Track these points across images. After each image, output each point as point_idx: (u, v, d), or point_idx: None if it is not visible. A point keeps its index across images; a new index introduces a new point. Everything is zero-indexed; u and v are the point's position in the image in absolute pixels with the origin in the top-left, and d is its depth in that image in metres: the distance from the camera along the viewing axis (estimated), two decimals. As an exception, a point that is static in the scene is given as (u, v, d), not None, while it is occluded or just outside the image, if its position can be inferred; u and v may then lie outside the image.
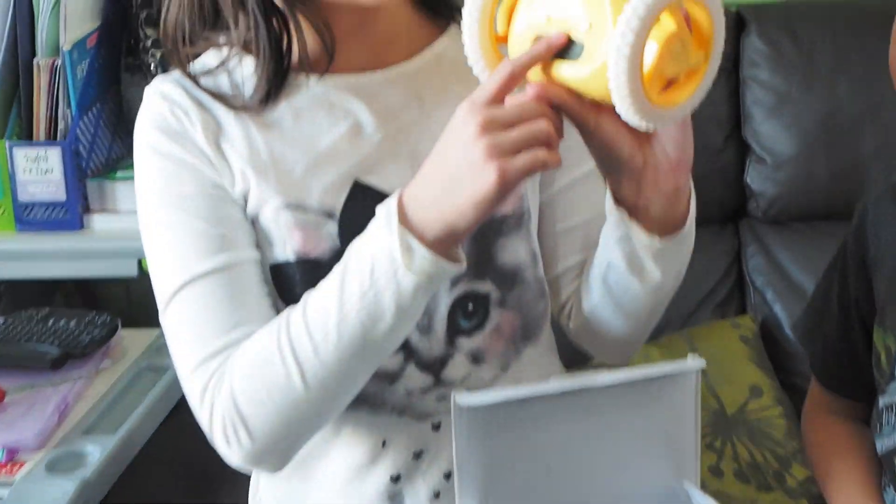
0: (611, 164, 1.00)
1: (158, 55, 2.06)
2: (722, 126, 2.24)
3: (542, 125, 0.91)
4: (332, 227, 1.10)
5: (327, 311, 0.98)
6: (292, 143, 1.10)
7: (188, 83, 1.12)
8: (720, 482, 1.92)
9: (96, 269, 2.01)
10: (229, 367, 1.04)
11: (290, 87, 1.11)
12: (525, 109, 0.91)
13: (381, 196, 1.06)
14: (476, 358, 1.15)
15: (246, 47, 1.09)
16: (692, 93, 0.95)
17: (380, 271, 0.96)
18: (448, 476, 1.15)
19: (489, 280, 1.14)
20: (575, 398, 0.96)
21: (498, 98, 0.92)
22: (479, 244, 1.13)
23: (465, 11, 0.97)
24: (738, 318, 2.18)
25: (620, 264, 1.09)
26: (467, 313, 1.14)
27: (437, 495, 1.16)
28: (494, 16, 0.97)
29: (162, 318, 1.10)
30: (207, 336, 1.06)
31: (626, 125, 0.93)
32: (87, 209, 2.02)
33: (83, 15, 2.02)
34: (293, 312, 1.02)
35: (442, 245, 0.95)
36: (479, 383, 1.16)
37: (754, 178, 2.24)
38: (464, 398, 0.93)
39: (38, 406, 1.71)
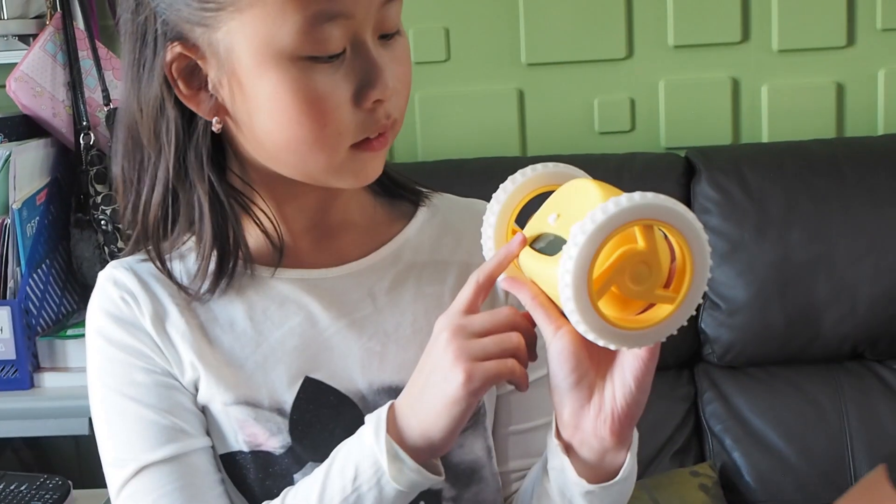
0: (557, 382, 0.96)
1: (109, 211, 2.05)
2: None
3: (512, 338, 0.93)
4: (283, 424, 1.08)
5: None
6: (243, 338, 1.09)
7: (142, 269, 1.11)
8: None
9: (46, 427, 1.97)
10: None
11: (241, 278, 1.10)
12: (496, 320, 0.94)
13: (331, 391, 1.06)
14: None
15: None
16: (656, 322, 0.91)
17: (363, 477, 0.96)
18: None
19: (442, 478, 1.07)
20: None
21: (471, 308, 0.95)
22: None
23: (487, 214, 1.02)
24: (697, 466, 2.17)
25: (553, 492, 1.05)
26: None
27: None
28: (513, 218, 1.01)
29: (115, 500, 1.08)
30: None
31: (585, 346, 0.92)
32: (37, 367, 2.01)
33: (32, 173, 2.04)
34: None
35: (423, 454, 0.96)
36: None
37: (709, 323, 2.24)
38: None
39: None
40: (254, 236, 1.09)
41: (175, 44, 1.00)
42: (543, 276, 0.93)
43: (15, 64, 2.08)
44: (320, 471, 1.00)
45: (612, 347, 0.90)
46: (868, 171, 2.23)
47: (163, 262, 1.09)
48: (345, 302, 1.11)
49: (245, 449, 1.08)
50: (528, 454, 1.17)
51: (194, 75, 1.01)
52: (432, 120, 2.47)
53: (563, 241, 0.89)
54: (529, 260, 0.95)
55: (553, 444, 1.01)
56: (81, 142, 2.08)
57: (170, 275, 1.09)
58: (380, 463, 0.95)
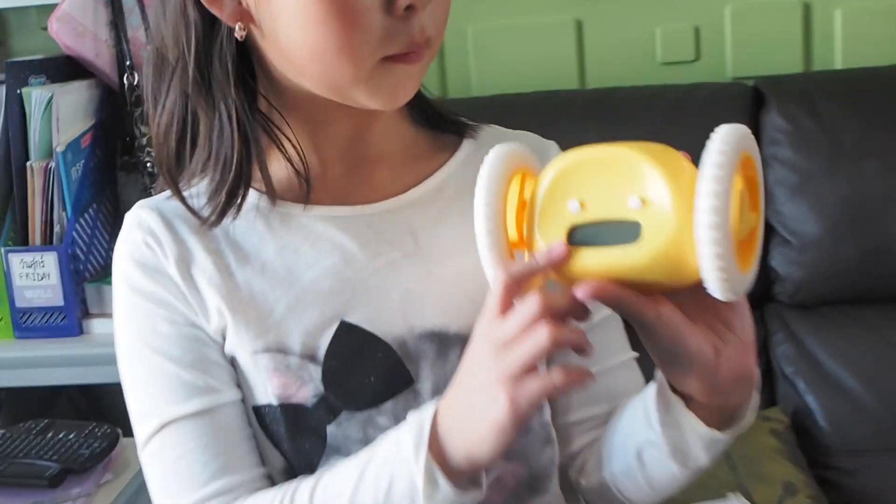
0: (675, 360, 0.91)
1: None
2: None
3: (544, 341, 0.85)
4: (315, 372, 1.03)
5: None
6: (273, 280, 1.05)
7: (168, 209, 1.07)
8: None
9: (97, 375, 1.94)
10: None
11: (270, 215, 1.07)
12: (526, 318, 0.86)
13: (368, 336, 1.02)
14: None
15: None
16: (756, 255, 0.89)
17: (397, 490, 0.93)
18: None
19: None
20: None
21: (505, 308, 0.88)
22: None
23: (476, 224, 0.91)
24: (767, 410, 2.11)
25: (663, 448, 1.01)
26: None
27: None
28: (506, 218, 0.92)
29: (140, 457, 1.07)
30: (188, 485, 1.03)
31: (692, 313, 0.87)
32: (86, 314, 2.00)
33: (76, 115, 2.00)
34: (300, 492, 0.99)
35: (464, 474, 0.92)
36: None
37: (779, 261, 2.17)
38: None
39: (35, 530, 1.63)
40: (283, 168, 1.05)
41: None
42: (611, 267, 0.85)
43: (56, 4, 2.03)
44: (354, 468, 0.97)
45: (736, 300, 0.85)
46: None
47: (176, 186, 1.05)
48: (383, 240, 1.06)
49: (274, 402, 1.04)
50: (600, 399, 1.12)
51: None
52: (486, 54, 2.39)
53: (613, 224, 0.84)
54: (577, 258, 0.87)
55: (664, 401, 0.97)
56: (125, 82, 2.04)
57: (182, 198, 1.05)
58: (416, 483, 0.92)
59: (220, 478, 1.02)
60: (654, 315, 0.86)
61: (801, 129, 2.14)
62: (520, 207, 0.90)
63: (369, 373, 1.04)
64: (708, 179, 0.79)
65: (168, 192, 1.07)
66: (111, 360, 1.87)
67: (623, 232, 0.84)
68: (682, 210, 0.80)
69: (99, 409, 2.12)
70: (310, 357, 1.04)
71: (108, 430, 1.84)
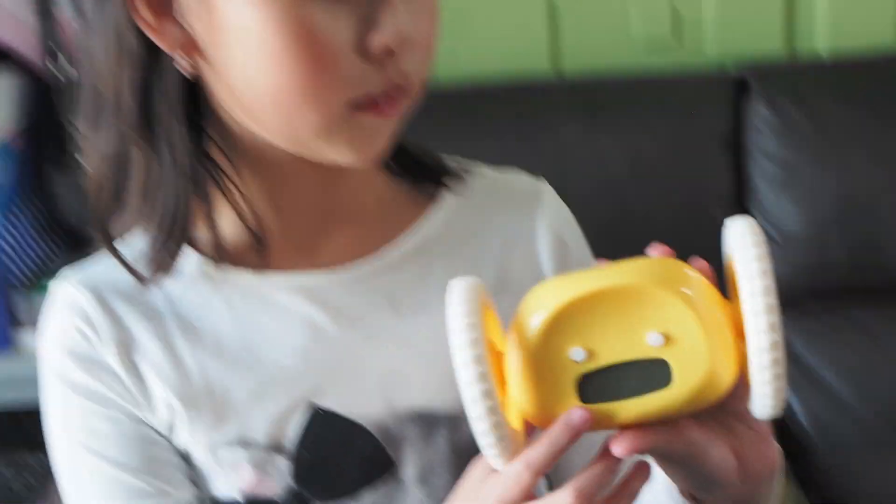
0: (698, 478, 0.84)
1: (92, 148, 1.91)
2: (724, 201, 2.18)
3: None
4: (284, 464, 0.94)
5: None
6: (231, 362, 0.95)
7: (102, 282, 0.95)
8: None
9: (27, 394, 1.83)
10: None
11: (225, 284, 0.95)
12: None
13: (344, 422, 0.93)
14: None
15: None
16: None
17: None
18: None
19: None
20: None
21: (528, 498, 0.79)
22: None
23: (471, 403, 0.76)
24: None
25: None
26: None
27: None
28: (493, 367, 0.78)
29: None
30: None
31: (710, 427, 0.79)
32: (15, 323, 1.92)
33: (5, 114, 1.91)
34: None
35: None
36: None
37: None
38: None
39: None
40: (235, 226, 0.93)
41: None
42: (640, 416, 0.76)
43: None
44: None
45: None
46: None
47: (112, 245, 0.93)
48: (358, 310, 0.95)
49: (239, 498, 0.94)
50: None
51: None
52: (451, 34, 2.27)
53: (632, 369, 0.74)
54: (598, 419, 0.77)
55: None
56: (54, 71, 1.93)
57: (120, 258, 0.92)
58: None
59: None
60: (683, 445, 0.78)
61: (787, 120, 2.16)
62: (495, 361, 0.77)
63: (346, 462, 0.95)
64: (757, 297, 0.71)
65: (99, 258, 0.96)
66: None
67: (649, 377, 0.74)
68: (715, 336, 0.73)
69: (32, 435, 2.00)
70: (277, 448, 0.94)
71: (46, 461, 1.72)
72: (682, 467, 0.81)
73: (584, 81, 2.22)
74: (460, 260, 0.98)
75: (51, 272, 1.93)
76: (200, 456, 0.94)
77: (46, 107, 1.94)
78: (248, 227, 0.92)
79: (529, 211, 1.03)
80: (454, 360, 0.73)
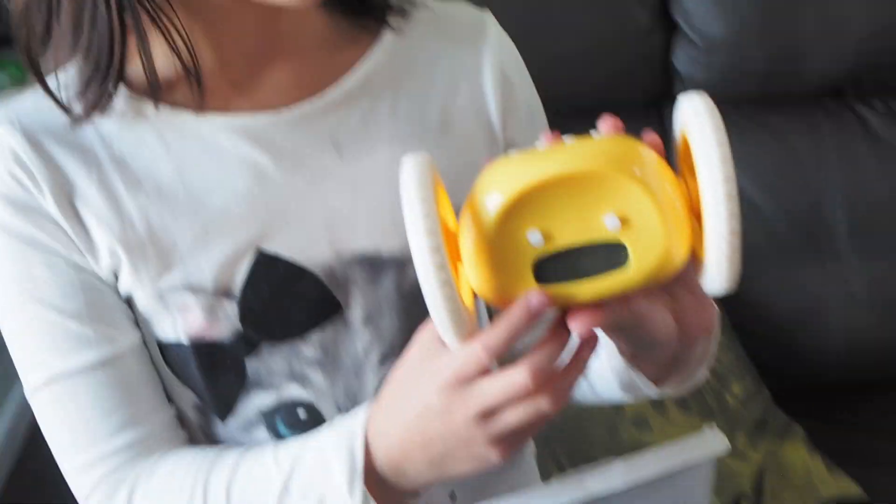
0: (642, 344, 0.87)
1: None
2: (647, 4, 2.14)
3: (544, 406, 0.80)
4: (231, 308, 0.95)
5: None
6: (173, 207, 0.94)
7: (34, 122, 0.93)
8: (663, 417, 1.93)
9: None
10: (129, 488, 0.95)
11: (164, 126, 0.94)
12: (515, 389, 0.79)
13: (291, 266, 0.94)
14: None
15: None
16: None
17: None
18: None
19: None
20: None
21: (482, 373, 0.81)
22: (411, 315, 1.01)
23: (425, 279, 0.76)
24: None
25: (614, 386, 1.00)
26: None
27: None
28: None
29: (30, 402, 0.98)
30: (88, 441, 0.96)
31: (655, 295, 0.82)
32: None
33: None
34: (214, 487, 0.93)
35: (405, 498, 0.91)
36: None
37: (682, 60, 2.17)
38: None
39: None
40: (170, 64, 0.92)
41: None
42: (595, 296, 0.77)
43: None
44: (278, 476, 0.91)
45: None
46: None
47: (41, 76, 0.91)
48: (301, 152, 0.95)
49: (184, 341, 0.96)
50: None
51: None
52: None
53: (589, 251, 0.76)
54: (557, 298, 0.78)
55: (619, 365, 0.95)
56: None
57: (49, 92, 0.92)
58: None
59: (125, 431, 0.95)
60: (627, 316, 0.81)
61: None
62: (449, 242, 0.77)
63: (293, 305, 0.97)
64: (715, 169, 0.73)
65: (26, 95, 0.94)
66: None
67: (605, 258, 0.76)
68: (671, 216, 0.75)
69: None
70: (225, 293, 0.95)
71: None
72: (626, 333, 0.84)
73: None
74: (405, 100, 0.98)
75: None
76: (145, 301, 0.95)
77: None
78: (183, 64, 0.90)
79: (474, 45, 1.03)
80: (411, 245, 0.74)
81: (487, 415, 0.80)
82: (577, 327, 0.77)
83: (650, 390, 0.97)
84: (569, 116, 1.83)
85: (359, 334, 1.00)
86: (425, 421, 0.83)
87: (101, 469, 0.95)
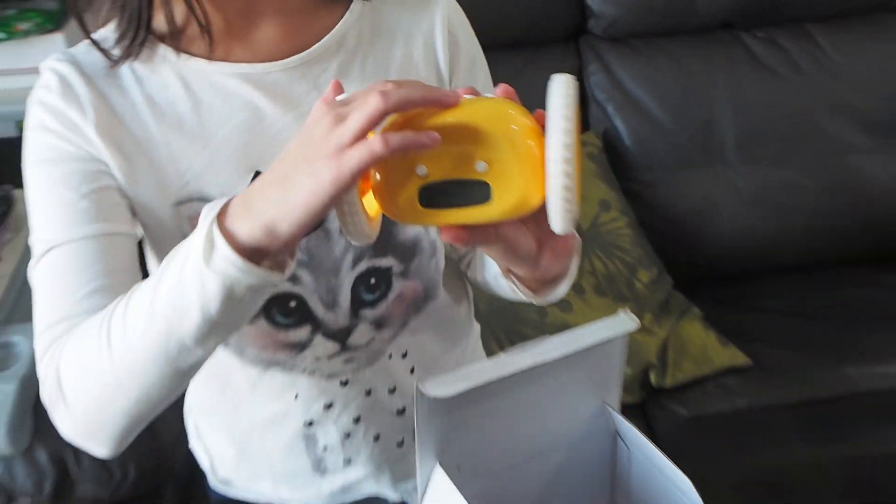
0: (510, 260, 0.93)
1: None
2: None
3: (376, 102, 0.79)
4: None
5: (143, 298, 0.89)
6: (190, 136, 1.02)
7: (86, 63, 1.02)
8: (582, 300, 2.00)
9: None
10: (69, 335, 0.94)
11: (185, 70, 1.03)
12: (370, 113, 0.79)
13: None
14: (379, 324, 1.13)
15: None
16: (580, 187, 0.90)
17: (189, 268, 0.85)
18: (357, 420, 1.17)
19: (390, 255, 1.11)
20: (523, 372, 0.95)
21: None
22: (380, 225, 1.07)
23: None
24: (583, 135, 2.21)
25: (505, 289, 1.07)
26: (370, 287, 1.11)
27: (347, 435, 1.18)
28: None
29: (30, 277, 1.00)
30: (61, 300, 0.96)
31: (522, 222, 0.88)
32: None
33: None
34: (116, 312, 0.91)
35: (259, 250, 0.83)
36: (380, 344, 1.15)
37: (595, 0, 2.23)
38: (429, 387, 0.91)
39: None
40: (188, 21, 1.01)
41: None
42: (465, 220, 0.84)
43: None
44: (164, 260, 0.89)
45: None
46: None
47: (85, 27, 1.01)
48: (291, 96, 1.04)
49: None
50: None
51: None
52: None
53: (463, 185, 0.82)
54: (433, 217, 0.85)
55: (499, 275, 1.01)
56: None
57: (91, 38, 1.01)
58: (199, 252, 0.83)
59: (93, 296, 0.95)
60: (493, 236, 0.87)
61: None
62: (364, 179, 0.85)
63: None
64: (557, 137, 0.79)
65: (78, 45, 1.04)
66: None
67: (473, 193, 0.83)
68: (527, 167, 0.82)
69: None
70: None
71: (3, 195, 1.80)
72: (496, 251, 0.90)
73: None
74: (371, 55, 1.07)
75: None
76: (162, 212, 1.01)
77: None
78: (197, 20, 0.99)
79: (428, 9, 1.09)
80: None
81: (336, 122, 0.79)
82: (445, 238, 0.84)
83: (526, 296, 1.03)
84: (502, 50, 1.92)
85: (336, 241, 1.07)
86: (286, 150, 0.83)
87: (61, 327, 0.95)
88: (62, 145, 1.00)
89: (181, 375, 0.91)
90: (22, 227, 1.79)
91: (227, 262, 0.82)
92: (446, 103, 0.81)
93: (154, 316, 0.87)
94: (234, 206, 0.83)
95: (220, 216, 0.83)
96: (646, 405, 1.96)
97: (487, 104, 0.83)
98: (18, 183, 1.65)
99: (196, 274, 0.83)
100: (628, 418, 1.04)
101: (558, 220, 0.82)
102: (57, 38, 1.82)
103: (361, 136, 0.78)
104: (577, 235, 0.98)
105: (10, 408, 1.46)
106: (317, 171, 0.79)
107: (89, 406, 0.93)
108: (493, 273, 1.12)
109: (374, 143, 0.77)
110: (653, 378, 1.95)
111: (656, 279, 2.08)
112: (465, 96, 0.82)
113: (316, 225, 0.94)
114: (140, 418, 0.94)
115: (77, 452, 1.59)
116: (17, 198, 1.84)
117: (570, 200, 0.80)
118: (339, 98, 0.83)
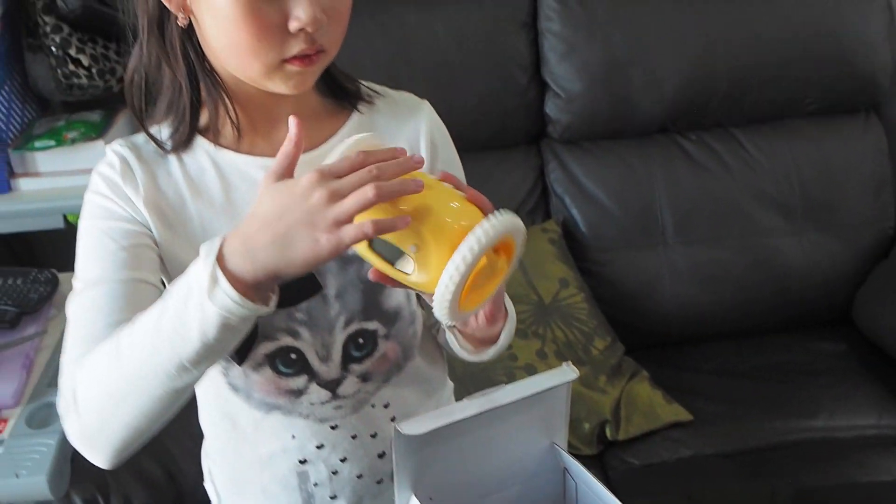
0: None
1: (58, 39, 1.95)
2: (525, 69, 2.21)
3: (370, 194, 0.84)
4: None
5: (149, 322, 0.91)
6: (219, 213, 1.06)
7: (143, 150, 1.07)
8: (545, 364, 1.98)
9: (26, 224, 1.88)
10: (89, 354, 0.95)
11: (219, 160, 1.07)
12: (358, 179, 0.85)
13: None
14: (364, 377, 1.14)
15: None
16: (491, 294, 0.94)
17: (193, 299, 0.87)
18: (344, 460, 1.18)
19: (376, 320, 1.12)
20: (485, 413, 0.99)
21: (338, 175, 0.86)
22: (368, 294, 1.11)
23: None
24: (545, 223, 2.21)
25: (454, 347, 1.13)
26: (358, 345, 1.12)
27: (334, 473, 1.18)
28: None
29: (67, 307, 1.03)
30: (89, 328, 0.98)
31: None
32: (12, 174, 1.91)
33: None
34: (124, 333, 0.93)
35: (257, 288, 0.87)
36: (365, 394, 1.16)
37: (552, 108, 2.24)
38: (405, 428, 0.94)
39: (5, 365, 1.62)
40: (225, 123, 1.06)
41: None
42: (395, 276, 0.90)
43: None
44: (158, 302, 0.92)
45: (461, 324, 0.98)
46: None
47: (143, 122, 1.06)
48: None
49: None
50: None
51: None
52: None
53: (399, 253, 0.88)
54: (377, 263, 0.91)
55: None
56: None
57: (147, 132, 1.06)
58: (203, 286, 0.86)
59: (119, 328, 0.95)
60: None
61: (568, 8, 2.17)
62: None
63: (292, 285, 0.97)
64: (457, 255, 0.84)
65: (139, 136, 1.08)
66: (36, 213, 1.86)
67: (402, 263, 0.88)
68: (439, 263, 0.86)
69: (33, 254, 2.07)
70: None
71: (50, 275, 1.81)
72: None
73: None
74: None
75: (33, 132, 1.95)
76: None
77: (17, 1, 1.91)
78: (231, 120, 1.04)
79: (415, 120, 1.13)
80: None
81: (333, 198, 0.83)
82: (371, 277, 0.90)
83: (469, 354, 1.10)
84: (475, 151, 1.93)
85: (332, 305, 1.09)
86: (282, 207, 0.85)
87: (84, 348, 0.95)
88: (113, 207, 1.04)
89: (176, 393, 0.92)
90: (64, 304, 1.80)
91: (227, 296, 0.85)
92: (413, 191, 0.86)
93: (158, 338, 0.89)
94: (233, 249, 0.86)
95: (219, 256, 0.86)
96: (603, 456, 1.94)
97: (437, 196, 0.87)
98: (63, 267, 1.69)
99: (198, 305, 0.86)
100: (587, 467, 1.05)
101: (438, 312, 0.87)
102: (99, 145, 1.84)
103: (355, 215, 0.83)
104: (508, 310, 1.04)
105: (51, 459, 1.48)
106: (317, 238, 0.83)
107: (96, 415, 0.94)
108: (444, 334, 1.17)
109: (367, 227, 0.83)
110: (608, 432, 1.94)
111: (610, 346, 2.08)
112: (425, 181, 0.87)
113: (315, 289, 1.02)
114: (139, 431, 0.95)
115: (108, 496, 1.60)
116: (61, 280, 1.86)
117: (451, 300, 0.84)
118: (327, 163, 0.88)
